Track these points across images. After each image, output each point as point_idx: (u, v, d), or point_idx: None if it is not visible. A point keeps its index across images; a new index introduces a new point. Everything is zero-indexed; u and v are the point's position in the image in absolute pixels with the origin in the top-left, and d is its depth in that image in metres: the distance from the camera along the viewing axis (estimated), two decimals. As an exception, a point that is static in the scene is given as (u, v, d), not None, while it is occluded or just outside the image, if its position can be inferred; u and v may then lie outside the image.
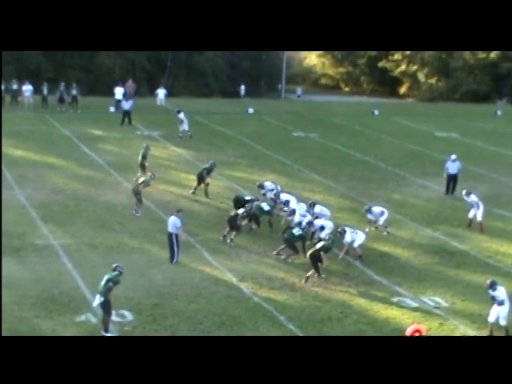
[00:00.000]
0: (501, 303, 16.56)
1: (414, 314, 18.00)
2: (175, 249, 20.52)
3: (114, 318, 17.00)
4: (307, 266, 20.77)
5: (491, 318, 16.67)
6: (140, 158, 28.86)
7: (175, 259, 20.52)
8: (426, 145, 38.62)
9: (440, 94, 59.05)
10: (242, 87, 54.91)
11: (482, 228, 24.27)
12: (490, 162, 35.07)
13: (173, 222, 20.67)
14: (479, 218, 24.41)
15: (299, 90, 59.06)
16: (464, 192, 25.16)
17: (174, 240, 20.52)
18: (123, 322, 16.96)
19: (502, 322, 16.59)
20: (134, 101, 42.91)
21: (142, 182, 25.26)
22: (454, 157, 28.91)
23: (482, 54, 57.23)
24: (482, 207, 24.46)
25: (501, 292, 16.64)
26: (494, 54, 56.84)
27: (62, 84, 44.46)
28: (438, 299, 18.95)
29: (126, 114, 40.63)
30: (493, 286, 16.73)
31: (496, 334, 16.51)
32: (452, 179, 28.82)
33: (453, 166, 28.75)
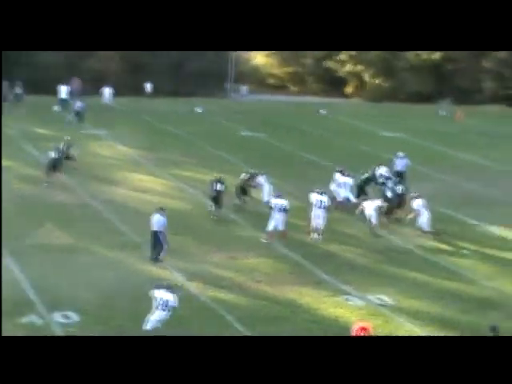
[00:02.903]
0: None
1: (361, 312, 18.20)
2: (164, 245, 20.78)
3: (59, 319, 16.84)
4: (256, 265, 20.86)
5: None
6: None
7: (162, 254, 20.72)
8: (373, 144, 39.06)
9: (385, 95, 59.75)
10: (148, 84, 53.64)
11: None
12: (434, 162, 35.64)
13: (157, 220, 20.90)
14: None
15: (244, 89, 58.87)
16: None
17: (161, 237, 20.79)
18: (69, 323, 16.80)
19: None
20: (83, 101, 42.30)
21: None
22: (401, 154, 29.23)
23: (425, 55, 58.06)
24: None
25: None
26: (437, 55, 57.70)
27: (6, 83, 43.76)
28: (383, 297, 19.20)
29: (77, 114, 40.44)
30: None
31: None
32: (399, 177, 29.10)
33: (401, 163, 29.00)
